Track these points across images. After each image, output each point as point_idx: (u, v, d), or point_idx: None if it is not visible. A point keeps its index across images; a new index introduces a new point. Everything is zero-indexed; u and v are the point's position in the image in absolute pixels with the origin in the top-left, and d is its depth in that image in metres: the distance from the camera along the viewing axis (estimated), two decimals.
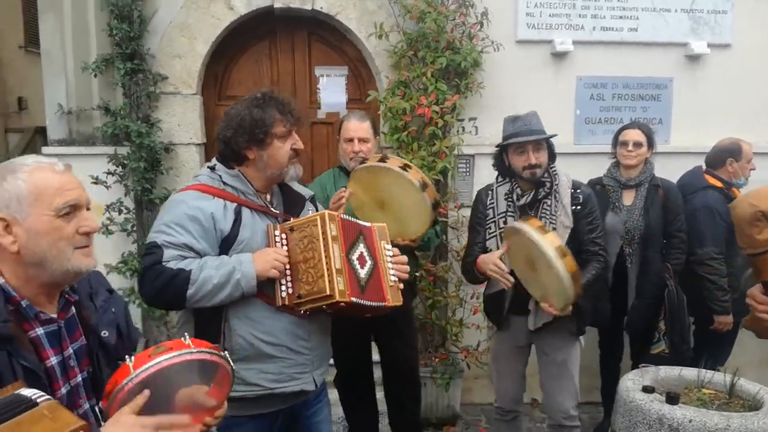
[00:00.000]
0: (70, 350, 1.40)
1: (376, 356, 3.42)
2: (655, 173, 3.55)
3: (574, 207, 2.76)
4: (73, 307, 1.44)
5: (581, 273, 2.61)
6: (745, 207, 1.84)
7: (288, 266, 1.93)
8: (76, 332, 1.44)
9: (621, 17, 4.27)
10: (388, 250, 2.10)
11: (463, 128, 4.13)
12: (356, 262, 1.98)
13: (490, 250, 2.81)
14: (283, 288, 1.93)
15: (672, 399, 2.57)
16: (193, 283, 1.82)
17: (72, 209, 1.34)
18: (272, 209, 2.05)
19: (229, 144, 2.00)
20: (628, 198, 3.47)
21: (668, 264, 3.40)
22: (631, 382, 2.79)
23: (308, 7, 4.01)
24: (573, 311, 2.71)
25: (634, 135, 3.45)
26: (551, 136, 2.78)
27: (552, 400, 2.93)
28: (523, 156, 2.71)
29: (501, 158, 2.84)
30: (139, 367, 1.32)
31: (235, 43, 4.18)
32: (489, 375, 3.32)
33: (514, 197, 2.80)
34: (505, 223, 2.80)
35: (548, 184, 2.76)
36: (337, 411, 3.79)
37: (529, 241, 2.50)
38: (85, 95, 3.83)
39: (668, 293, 3.35)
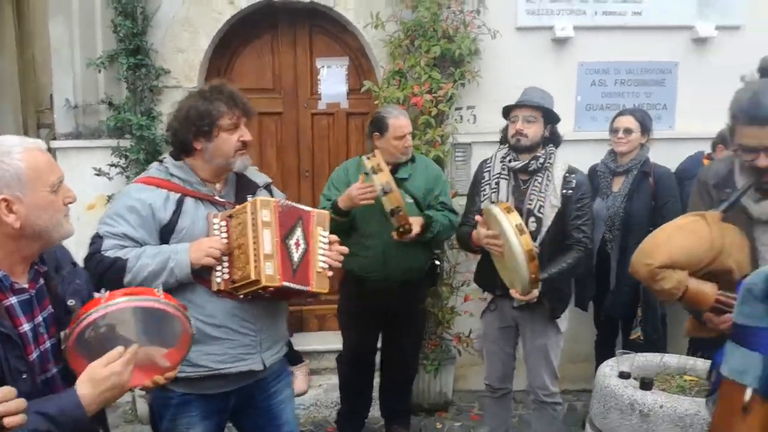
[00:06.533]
0: (40, 318, 1.52)
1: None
2: (655, 160, 3.51)
3: (565, 190, 2.80)
4: (42, 278, 1.56)
5: (560, 257, 2.74)
6: (640, 269, 1.82)
7: (227, 253, 2.02)
8: (45, 301, 1.55)
9: (624, 1, 4.19)
10: (324, 236, 2.13)
11: (461, 117, 4.13)
12: (293, 247, 2.04)
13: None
14: (219, 274, 2.02)
15: (645, 385, 2.57)
16: (129, 270, 1.93)
17: (59, 183, 1.50)
18: (217, 198, 2.12)
19: (177, 135, 2.11)
20: (617, 184, 3.45)
21: None
22: (609, 368, 2.79)
23: None
24: (549, 295, 2.76)
25: (626, 122, 3.42)
26: (545, 108, 2.85)
27: (532, 380, 3.02)
28: (514, 124, 2.83)
29: (506, 126, 2.95)
30: (109, 301, 1.50)
31: (238, 37, 4.27)
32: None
33: (508, 160, 2.88)
34: (497, 184, 2.90)
35: (541, 159, 2.82)
36: (331, 396, 3.90)
37: (496, 219, 2.58)
38: (91, 90, 3.97)
39: None
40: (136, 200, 2.01)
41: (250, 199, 2.11)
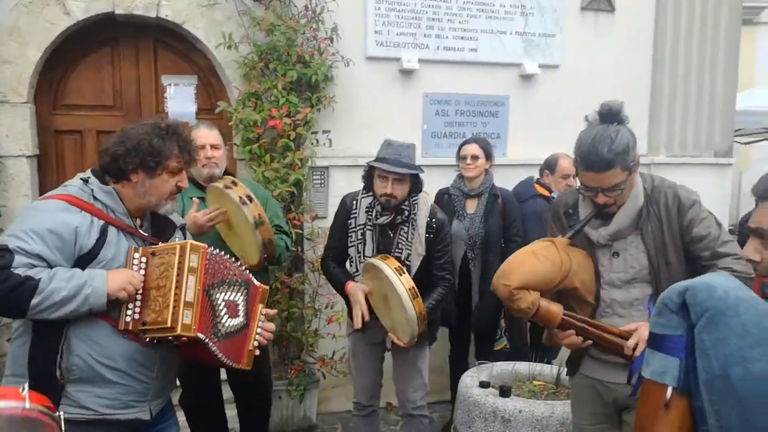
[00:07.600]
0: None
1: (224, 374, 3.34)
2: (495, 183, 3.85)
3: (428, 235, 2.90)
4: None
5: (428, 294, 2.87)
6: (499, 288, 2.04)
7: (141, 291, 1.89)
8: None
9: (462, 38, 4.56)
10: (263, 315, 2.14)
11: (317, 141, 4.20)
12: (221, 304, 1.97)
13: (351, 258, 2.97)
14: (129, 312, 1.88)
15: (504, 392, 2.80)
16: (40, 293, 1.73)
17: None
18: (141, 231, 2.01)
19: (117, 161, 1.95)
20: (471, 206, 3.73)
21: None
22: (470, 379, 3.00)
23: (153, 14, 3.89)
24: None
25: (472, 149, 3.71)
26: (416, 173, 2.86)
27: (403, 393, 3.10)
28: (384, 183, 2.82)
29: (369, 173, 2.91)
30: None
31: (74, 50, 3.95)
32: (346, 383, 3.41)
33: (374, 214, 2.92)
34: (363, 235, 2.94)
35: (406, 212, 2.89)
36: None
37: (387, 280, 2.68)
38: None
39: None
40: (60, 221, 1.81)
41: (178, 239, 2.00)
